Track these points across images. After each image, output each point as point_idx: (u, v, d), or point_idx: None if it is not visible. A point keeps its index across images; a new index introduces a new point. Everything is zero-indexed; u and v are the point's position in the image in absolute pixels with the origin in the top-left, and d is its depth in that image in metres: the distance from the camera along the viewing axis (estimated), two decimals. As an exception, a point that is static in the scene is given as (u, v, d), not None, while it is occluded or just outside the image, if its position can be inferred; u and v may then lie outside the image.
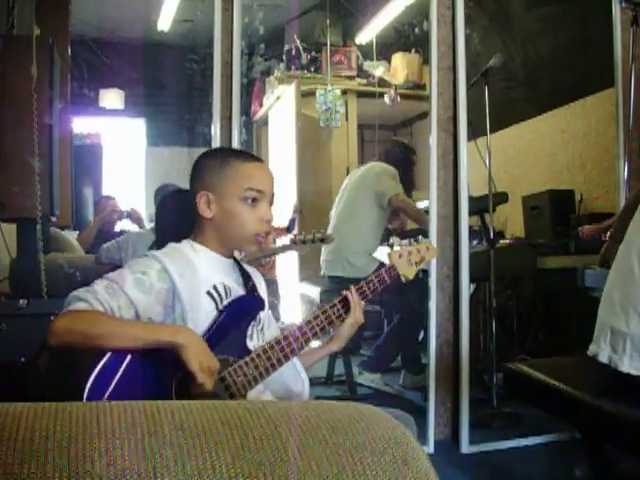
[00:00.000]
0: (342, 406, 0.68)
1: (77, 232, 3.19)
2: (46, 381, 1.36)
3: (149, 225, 3.27)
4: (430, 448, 2.56)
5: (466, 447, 2.56)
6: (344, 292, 1.39)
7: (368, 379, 3.04)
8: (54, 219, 2.33)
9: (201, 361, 1.11)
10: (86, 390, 1.04)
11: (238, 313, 1.28)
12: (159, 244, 1.35)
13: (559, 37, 3.59)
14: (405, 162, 3.29)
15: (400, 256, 1.51)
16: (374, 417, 0.65)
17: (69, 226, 2.86)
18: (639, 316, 1.48)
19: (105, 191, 3.45)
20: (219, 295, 1.26)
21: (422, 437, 2.53)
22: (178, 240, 1.32)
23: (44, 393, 1.32)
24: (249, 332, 1.30)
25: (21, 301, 1.87)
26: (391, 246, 2.98)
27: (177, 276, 1.20)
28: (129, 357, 1.10)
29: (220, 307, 1.25)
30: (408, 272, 1.51)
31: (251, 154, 1.38)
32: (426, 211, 2.76)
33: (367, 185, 3.22)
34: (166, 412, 0.61)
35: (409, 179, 3.29)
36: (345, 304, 1.39)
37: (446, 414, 2.66)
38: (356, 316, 1.39)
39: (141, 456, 0.54)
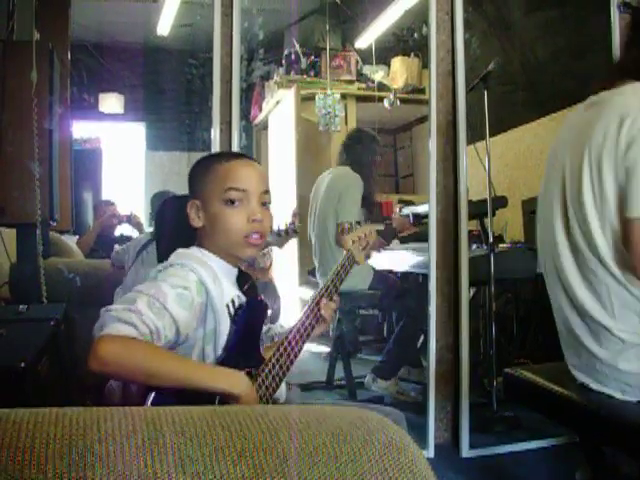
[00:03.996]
0: (342, 411, 0.68)
1: (77, 237, 3.18)
2: (46, 386, 1.35)
3: (148, 230, 3.27)
4: (430, 452, 2.55)
5: (466, 451, 2.56)
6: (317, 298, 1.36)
7: (382, 387, 3.00)
8: (54, 224, 2.33)
9: None
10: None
11: (251, 321, 1.24)
12: (160, 251, 1.34)
13: (558, 41, 3.59)
14: (368, 160, 3.19)
15: (353, 242, 1.50)
16: (374, 423, 0.65)
17: (69, 231, 2.87)
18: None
19: (105, 196, 3.45)
20: (234, 307, 1.22)
21: (422, 441, 2.53)
22: (177, 246, 1.28)
23: (44, 398, 1.32)
24: (260, 340, 1.28)
25: (21, 306, 1.87)
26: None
27: (211, 287, 1.16)
28: None
29: (235, 319, 1.20)
30: (360, 258, 1.50)
31: (233, 153, 1.31)
32: (425, 216, 2.76)
33: (334, 199, 3.13)
34: (167, 417, 0.61)
35: (371, 184, 3.16)
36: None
37: (446, 418, 2.66)
38: (327, 320, 1.36)
39: (142, 462, 0.54)
